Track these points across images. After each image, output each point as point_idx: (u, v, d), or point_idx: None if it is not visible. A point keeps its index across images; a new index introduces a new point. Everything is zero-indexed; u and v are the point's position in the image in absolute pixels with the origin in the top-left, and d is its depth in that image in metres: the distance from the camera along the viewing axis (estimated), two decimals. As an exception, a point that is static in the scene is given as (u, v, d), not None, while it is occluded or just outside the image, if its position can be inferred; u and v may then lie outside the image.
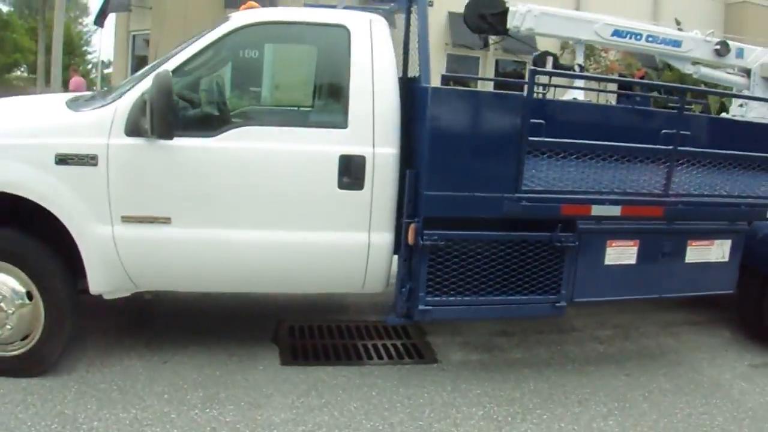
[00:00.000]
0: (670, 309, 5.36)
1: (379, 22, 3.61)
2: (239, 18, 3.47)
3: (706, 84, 6.50)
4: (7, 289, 3.25)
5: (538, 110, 3.52)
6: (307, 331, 4.36)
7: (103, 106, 3.33)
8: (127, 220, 3.29)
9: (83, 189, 3.23)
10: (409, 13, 3.82)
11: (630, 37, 5.77)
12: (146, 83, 3.24)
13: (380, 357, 4.08)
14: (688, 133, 3.82)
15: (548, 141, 3.56)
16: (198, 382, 3.51)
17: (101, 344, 3.83)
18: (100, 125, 3.25)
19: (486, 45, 9.27)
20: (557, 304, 3.80)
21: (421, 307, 3.51)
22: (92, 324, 3.98)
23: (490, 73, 18.85)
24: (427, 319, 3.64)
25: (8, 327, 3.27)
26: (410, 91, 3.57)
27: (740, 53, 6.11)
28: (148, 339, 3.97)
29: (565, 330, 4.81)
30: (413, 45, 3.78)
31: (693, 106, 6.11)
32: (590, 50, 17.23)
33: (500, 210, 3.50)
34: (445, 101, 3.40)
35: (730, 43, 6.07)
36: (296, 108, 4.04)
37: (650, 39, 5.86)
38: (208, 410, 3.25)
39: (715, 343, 4.82)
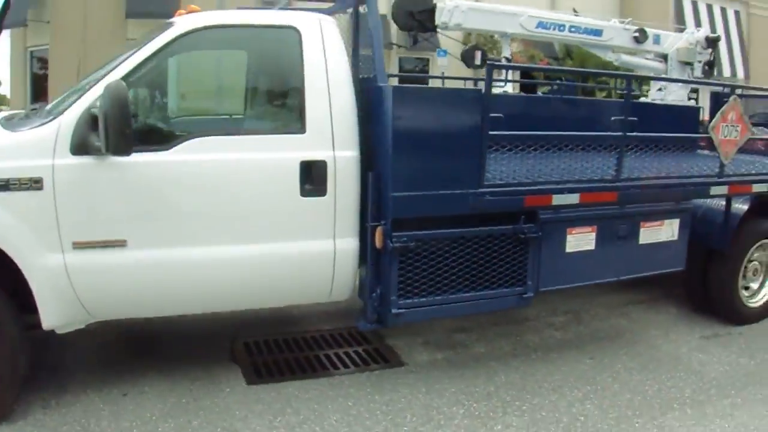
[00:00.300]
0: (615, 291, 5.52)
1: (329, 23, 3.51)
2: (184, 23, 3.27)
3: (626, 70, 6.72)
4: None
5: (495, 105, 3.47)
6: (264, 346, 4.20)
7: (43, 123, 3.05)
8: (78, 246, 3.02)
9: (28, 216, 2.94)
10: (357, 12, 3.72)
11: (554, 29, 5.89)
12: (92, 95, 3.02)
13: (346, 365, 3.99)
14: (635, 119, 3.88)
15: (507, 134, 3.57)
16: (165, 412, 3.31)
17: (53, 382, 3.53)
18: (43, 145, 2.97)
19: (415, 42, 9.26)
20: (524, 296, 3.83)
21: (394, 311, 3.44)
22: (40, 360, 3.68)
23: (394, 71, 18.92)
24: (400, 323, 3.57)
25: None
26: (366, 91, 3.48)
27: (657, 39, 6.36)
28: (102, 371, 3.72)
29: (520, 320, 4.86)
30: (362, 45, 3.70)
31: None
32: (492, 44, 17.66)
33: (466, 206, 3.48)
34: (405, 100, 3.34)
35: (647, 30, 6.30)
36: (250, 115, 3.81)
37: (573, 29, 6.00)
38: (183, 440, 3.07)
39: (664, 319, 5.00)
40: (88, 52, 13.12)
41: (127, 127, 2.76)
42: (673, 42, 6.37)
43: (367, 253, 3.46)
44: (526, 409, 3.52)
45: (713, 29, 21.55)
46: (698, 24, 21.24)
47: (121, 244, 3.07)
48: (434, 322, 4.60)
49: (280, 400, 3.49)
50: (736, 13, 24.38)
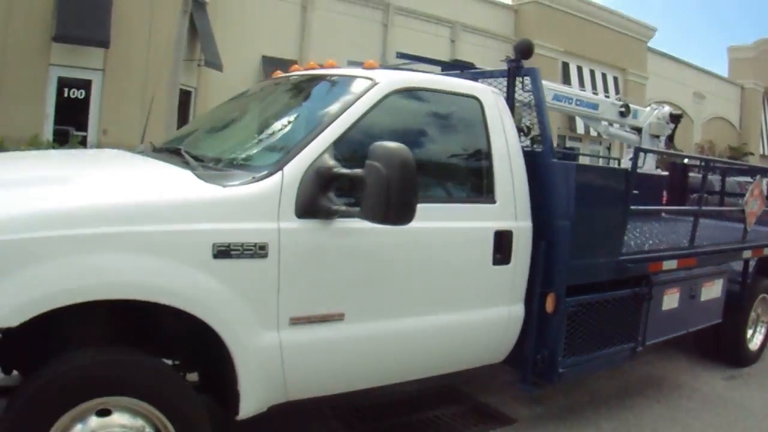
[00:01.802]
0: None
1: (501, 95, 3.73)
2: (387, 81, 3.19)
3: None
4: None
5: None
6: (361, 414, 4.09)
7: (257, 179, 2.70)
8: (296, 322, 2.75)
9: (248, 288, 2.62)
10: (512, 82, 3.96)
11: (565, 101, 6.48)
12: (313, 151, 2.79)
13: (465, 427, 4.06)
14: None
15: (642, 209, 4.01)
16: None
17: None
18: (266, 205, 2.66)
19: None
20: (636, 349, 4.26)
21: (560, 370, 3.69)
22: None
23: None
24: (563, 381, 3.82)
25: None
26: (536, 164, 3.69)
27: (635, 114, 7.20)
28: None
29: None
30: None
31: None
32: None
33: (612, 272, 3.86)
34: (583, 177, 3.65)
35: (630, 105, 7.13)
36: (447, 182, 3.70)
37: (578, 103, 6.64)
38: None
39: (684, 366, 5.72)
40: (6, 75, 11.91)
41: (415, 196, 2.55)
42: (646, 117, 7.24)
43: (531, 318, 3.66)
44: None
45: (596, 90, 24.26)
46: (582, 85, 23.68)
47: (339, 317, 2.89)
48: (500, 377, 4.81)
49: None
50: (615, 78, 27.75)
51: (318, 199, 2.72)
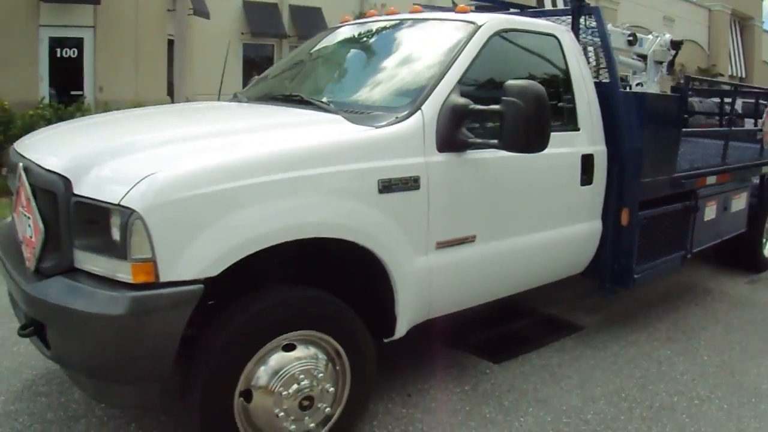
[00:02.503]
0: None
1: (571, 33, 4.24)
2: (490, 24, 3.62)
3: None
4: (316, 367, 2.81)
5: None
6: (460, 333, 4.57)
7: (400, 119, 3.07)
8: (440, 246, 3.17)
9: (405, 218, 2.99)
10: (576, 20, 4.47)
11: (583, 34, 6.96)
12: (444, 90, 3.20)
13: (544, 336, 4.66)
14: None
15: (690, 131, 4.63)
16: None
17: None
18: (414, 142, 3.03)
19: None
20: (687, 256, 4.95)
21: (635, 276, 4.34)
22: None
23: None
24: (637, 285, 4.46)
25: (325, 408, 2.88)
26: (605, 95, 4.22)
27: (641, 42, 7.76)
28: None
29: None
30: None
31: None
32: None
33: (671, 186, 4.49)
34: (644, 105, 4.23)
35: (636, 34, 7.68)
36: None
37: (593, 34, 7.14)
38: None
39: (707, 276, 6.42)
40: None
41: (549, 126, 3.00)
42: (650, 45, 7.80)
43: (608, 231, 4.26)
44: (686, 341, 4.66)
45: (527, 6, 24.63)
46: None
47: (472, 239, 3.35)
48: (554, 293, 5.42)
49: (535, 371, 4.12)
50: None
51: (455, 133, 3.14)
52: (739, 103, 6.78)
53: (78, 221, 2.47)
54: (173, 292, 2.36)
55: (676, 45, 7.95)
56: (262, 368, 2.67)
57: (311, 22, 19.62)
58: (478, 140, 3.19)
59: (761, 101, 6.63)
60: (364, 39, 4.26)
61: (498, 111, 2.99)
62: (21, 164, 2.78)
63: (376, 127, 3.01)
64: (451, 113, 3.14)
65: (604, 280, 4.40)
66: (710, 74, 33.55)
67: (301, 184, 2.66)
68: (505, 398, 3.69)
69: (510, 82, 3.03)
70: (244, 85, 18.25)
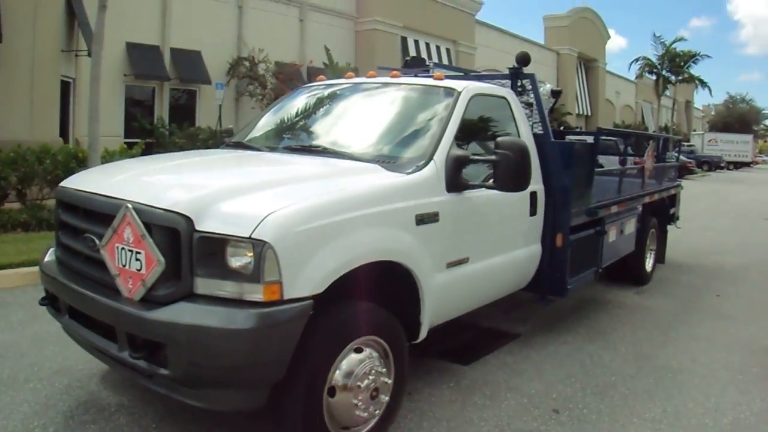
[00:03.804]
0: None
1: (514, 94, 5.47)
2: (467, 90, 4.73)
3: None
4: (377, 364, 3.57)
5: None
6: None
7: (420, 167, 4.02)
8: (449, 265, 4.15)
9: (430, 245, 3.90)
10: (514, 83, 5.73)
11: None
12: (446, 144, 4.19)
13: (491, 344, 5.83)
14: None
15: (600, 170, 6.00)
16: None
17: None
18: (432, 185, 3.99)
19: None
20: (598, 271, 6.30)
21: (568, 286, 5.58)
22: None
23: (166, 101, 19.66)
24: (570, 293, 5.69)
25: (384, 397, 3.66)
26: (542, 143, 5.45)
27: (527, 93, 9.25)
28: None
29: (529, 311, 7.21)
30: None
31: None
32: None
33: (593, 214, 5.83)
34: (572, 152, 5.53)
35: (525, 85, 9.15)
36: None
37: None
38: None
39: (602, 290, 7.90)
40: None
41: (530, 172, 4.09)
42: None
43: (545, 252, 5.49)
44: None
45: (431, 60, 26.63)
46: (419, 55, 25.90)
47: (466, 260, 4.36)
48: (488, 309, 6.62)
49: (498, 369, 5.26)
50: (447, 49, 30.58)
51: (458, 177, 4.15)
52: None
53: (201, 253, 3.07)
54: (294, 307, 3.06)
55: (555, 94, 9.50)
56: (342, 368, 3.40)
57: (191, 66, 20.23)
58: (477, 183, 4.27)
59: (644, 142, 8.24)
60: (363, 98, 5.20)
61: (493, 160, 4.06)
62: (128, 205, 3.27)
63: (406, 174, 3.97)
64: (454, 161, 4.14)
65: (545, 291, 5.60)
66: (560, 113, 37.19)
67: (372, 219, 3.55)
68: (485, 388, 4.73)
69: (501, 138, 4.13)
70: (126, 127, 18.51)
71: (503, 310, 6.55)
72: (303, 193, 3.44)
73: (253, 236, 3.03)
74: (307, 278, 3.17)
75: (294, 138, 5.12)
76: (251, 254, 3.03)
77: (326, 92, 5.43)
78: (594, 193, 6.04)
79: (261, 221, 3.07)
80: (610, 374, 5.11)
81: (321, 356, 3.32)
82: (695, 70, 50.44)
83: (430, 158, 4.14)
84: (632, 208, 7.31)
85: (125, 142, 13.92)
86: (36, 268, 4.33)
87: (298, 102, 5.49)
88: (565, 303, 6.96)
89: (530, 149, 5.07)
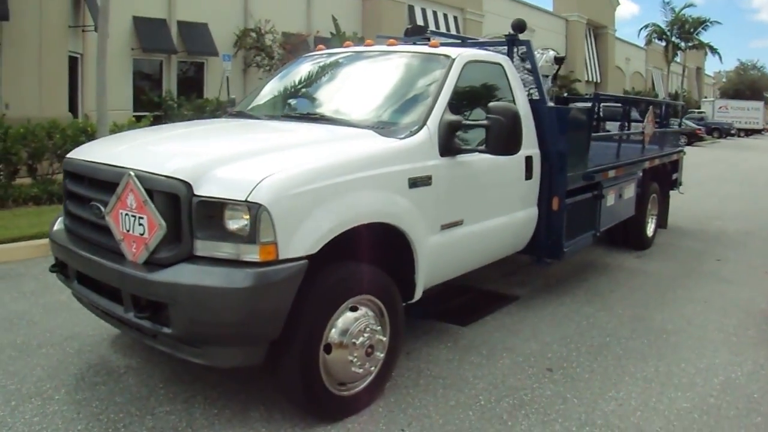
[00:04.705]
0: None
1: (510, 61, 5.51)
2: (462, 56, 4.78)
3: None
4: (372, 322, 3.68)
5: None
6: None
7: (413, 132, 4.10)
8: (443, 227, 4.26)
9: (424, 207, 4.00)
10: (511, 50, 5.78)
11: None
12: (439, 109, 4.27)
13: (490, 306, 5.94)
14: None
15: (597, 135, 6.05)
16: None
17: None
18: (425, 149, 4.08)
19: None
20: (596, 234, 6.38)
21: (565, 249, 5.67)
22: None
23: (174, 74, 19.75)
24: (567, 256, 5.78)
25: (380, 354, 3.76)
26: (535, 109, 5.48)
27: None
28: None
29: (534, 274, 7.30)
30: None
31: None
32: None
33: (590, 179, 5.90)
34: (566, 116, 5.57)
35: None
36: None
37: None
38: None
39: (604, 253, 7.99)
40: None
41: (521, 136, 4.21)
42: (537, 60, 9.30)
43: (542, 215, 5.56)
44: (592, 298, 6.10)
45: (439, 29, 26.59)
46: (427, 25, 25.85)
47: (461, 223, 4.46)
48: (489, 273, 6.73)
49: (495, 329, 5.35)
50: (455, 17, 30.42)
51: (451, 141, 4.28)
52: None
53: (200, 217, 3.20)
54: (289, 267, 3.20)
55: (558, 60, 9.48)
56: (338, 326, 3.53)
57: (198, 38, 20.29)
58: (468, 147, 4.39)
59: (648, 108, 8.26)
60: (361, 66, 5.27)
61: (485, 125, 4.15)
62: (131, 173, 3.37)
63: (400, 139, 4.07)
64: (447, 126, 4.24)
65: (541, 254, 5.69)
66: (569, 80, 36.95)
67: (365, 182, 3.66)
68: (482, 348, 4.86)
69: (493, 103, 4.22)
70: (135, 100, 18.64)
71: (504, 273, 6.71)
72: (297, 159, 3.57)
73: (248, 199, 3.15)
74: (301, 239, 3.29)
75: (293, 106, 5.25)
76: (247, 217, 3.17)
77: (325, 61, 5.50)
78: (591, 158, 6.09)
79: (256, 185, 3.19)
80: (605, 335, 5.21)
81: (317, 314, 3.43)
82: (705, 36, 50.32)
83: (424, 123, 4.23)
84: (632, 173, 7.35)
85: (134, 116, 14.00)
86: (47, 240, 4.45)
87: (297, 72, 5.59)
88: (565, 266, 7.11)
89: (525, 114, 5.21)
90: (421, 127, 4.20)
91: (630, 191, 7.31)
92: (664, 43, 50.35)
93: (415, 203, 3.98)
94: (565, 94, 13.56)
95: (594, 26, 46.59)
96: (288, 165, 3.42)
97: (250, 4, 21.85)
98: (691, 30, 48.97)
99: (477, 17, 32.38)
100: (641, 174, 7.80)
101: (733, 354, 4.91)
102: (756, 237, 9.79)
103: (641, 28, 50.17)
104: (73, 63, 15.06)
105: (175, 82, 20.18)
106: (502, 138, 4.13)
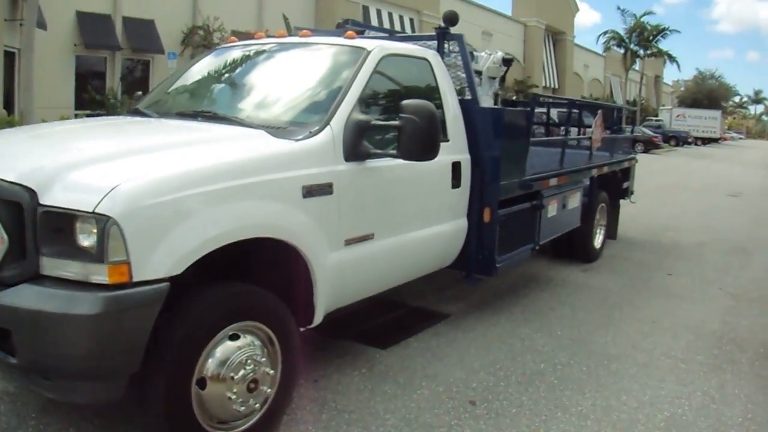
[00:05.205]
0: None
1: (439, 56, 5.03)
2: (377, 50, 4.28)
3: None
4: (258, 353, 3.24)
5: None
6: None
7: (314, 133, 3.62)
8: (348, 242, 3.76)
9: (322, 220, 3.54)
10: (441, 45, 5.27)
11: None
12: (347, 107, 3.79)
13: (416, 324, 5.42)
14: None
15: (536, 140, 5.61)
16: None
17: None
18: (327, 153, 3.60)
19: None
20: (535, 248, 5.93)
21: (497, 265, 5.20)
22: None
23: (119, 71, 19.38)
24: (498, 273, 5.31)
25: (266, 390, 3.32)
26: (467, 110, 5.02)
27: (477, 60, 8.83)
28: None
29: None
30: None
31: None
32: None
33: (528, 188, 5.43)
34: (501, 118, 5.12)
35: (474, 52, 8.74)
36: None
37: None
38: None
39: (547, 266, 7.57)
40: None
41: (439, 138, 3.74)
42: (484, 62, 8.89)
43: (472, 228, 5.09)
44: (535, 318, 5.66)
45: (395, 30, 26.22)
46: (382, 26, 25.44)
47: (371, 237, 3.97)
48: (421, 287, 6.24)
49: (419, 353, 4.84)
50: (411, 20, 30.05)
51: (358, 145, 3.77)
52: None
53: (46, 230, 2.72)
54: (145, 290, 2.72)
55: (507, 62, 9.09)
56: (214, 357, 3.06)
57: (145, 35, 19.79)
58: (378, 151, 3.87)
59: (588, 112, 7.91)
60: (266, 60, 4.76)
61: (397, 125, 3.66)
62: None
63: (296, 141, 3.57)
64: (354, 127, 3.76)
65: (471, 269, 5.21)
66: (526, 86, 37.01)
67: (244, 191, 3.14)
68: (399, 376, 4.35)
69: (406, 101, 3.71)
70: (77, 98, 17.94)
71: (437, 287, 6.22)
72: (163, 162, 3.05)
73: (96, 211, 2.67)
74: (161, 258, 2.79)
75: (190, 103, 4.70)
76: (95, 231, 2.69)
77: (233, 55, 4.97)
78: (530, 165, 5.65)
79: (107, 194, 2.70)
80: (539, 361, 4.75)
81: (187, 344, 2.97)
82: (664, 44, 50.67)
83: (326, 123, 3.74)
84: (577, 181, 6.95)
85: (76, 114, 13.33)
86: None
87: (203, 65, 5.09)
88: (504, 280, 6.68)
89: (454, 116, 4.83)
90: (322, 128, 3.71)
91: (575, 201, 6.90)
92: (622, 51, 50.86)
93: (310, 215, 3.50)
94: (513, 98, 13.21)
95: (553, 32, 46.85)
96: (151, 170, 2.93)
97: (198, 2, 21.37)
98: (650, 38, 49.63)
99: (433, 20, 31.99)
100: (588, 182, 7.40)
101: (680, 384, 4.49)
102: (711, 249, 9.48)
103: (600, 35, 50.90)
104: (10, 58, 14.32)
105: (119, 80, 19.56)
106: (416, 141, 3.65)
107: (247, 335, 3.22)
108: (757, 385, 4.55)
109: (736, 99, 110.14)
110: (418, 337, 5.12)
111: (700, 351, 5.16)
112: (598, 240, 7.97)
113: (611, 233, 8.68)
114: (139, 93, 5.54)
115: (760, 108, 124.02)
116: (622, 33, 49.60)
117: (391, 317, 5.56)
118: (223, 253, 3.07)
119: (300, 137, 3.61)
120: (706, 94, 79.65)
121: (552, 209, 6.21)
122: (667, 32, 49.65)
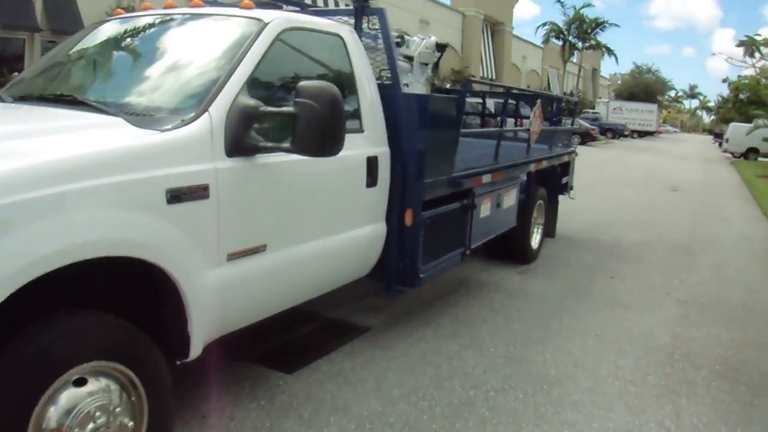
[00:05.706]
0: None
1: (355, 33, 4.39)
2: (276, 23, 3.62)
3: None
4: (113, 400, 2.61)
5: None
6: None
7: (187, 121, 2.96)
8: (232, 257, 3.12)
9: (195, 230, 2.90)
10: (359, 20, 4.64)
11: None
12: (232, 91, 3.15)
13: (332, 339, 4.81)
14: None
15: (468, 131, 5.04)
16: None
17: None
18: (202, 146, 2.95)
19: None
20: (466, 253, 5.36)
21: (420, 275, 4.61)
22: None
23: (38, 53, 18.32)
24: (423, 282, 4.70)
25: None
26: (387, 96, 4.38)
27: (408, 44, 8.27)
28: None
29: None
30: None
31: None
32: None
33: (453, 186, 4.85)
34: (426, 107, 4.51)
35: (404, 36, 8.17)
36: None
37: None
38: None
39: (480, 268, 7.04)
40: None
41: (344, 129, 3.11)
42: (416, 47, 8.34)
43: (392, 233, 4.47)
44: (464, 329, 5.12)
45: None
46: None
47: (263, 249, 3.32)
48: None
49: (330, 378, 4.21)
50: (347, 5, 29.28)
51: (244, 136, 3.09)
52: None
53: None
54: None
55: (440, 47, 8.55)
56: (53, 408, 2.40)
57: (66, 16, 18.79)
58: (269, 144, 3.16)
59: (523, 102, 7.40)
60: (143, 34, 4.02)
61: (291, 113, 3.02)
62: None
63: (162, 131, 2.87)
64: (240, 115, 3.10)
65: (391, 281, 4.59)
66: (463, 75, 36.78)
67: (83, 198, 2.45)
68: (303, 409, 3.73)
69: (304, 83, 3.06)
70: (-3, 83, 16.74)
71: (357, 295, 5.57)
72: None
73: None
74: None
75: (50, 86, 3.91)
76: None
77: (110, 29, 4.22)
78: (460, 160, 5.08)
79: None
80: (469, 387, 4.17)
81: (12, 394, 2.29)
82: (603, 37, 51.34)
83: (204, 110, 3.05)
84: (513, 177, 6.42)
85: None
86: None
87: (76, 41, 4.30)
88: (431, 286, 6.08)
89: (371, 102, 4.23)
90: (198, 115, 3.02)
91: (511, 199, 6.37)
92: (561, 42, 51.28)
93: (178, 225, 2.82)
94: (447, 86, 12.71)
95: (491, 22, 46.82)
96: None
97: (139, -9, 20.19)
98: (589, 30, 50.20)
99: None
100: (526, 178, 6.90)
101: (631, 413, 3.97)
102: (654, 249, 9.10)
103: (539, 26, 51.05)
104: None
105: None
106: (314, 131, 3.00)
107: (100, 378, 2.57)
108: (717, 412, 4.08)
109: (672, 93, 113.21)
110: (331, 357, 4.49)
111: (651, 370, 4.67)
112: (535, 240, 7.49)
113: (549, 231, 8.24)
114: (14, 74, 4.74)
115: (694, 102, 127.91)
116: (561, 25, 49.99)
117: (302, 332, 4.95)
118: (83, 275, 2.51)
119: (168, 127, 2.91)
120: (643, 87, 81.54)
121: (485, 209, 5.66)
122: (606, 25, 50.36)
